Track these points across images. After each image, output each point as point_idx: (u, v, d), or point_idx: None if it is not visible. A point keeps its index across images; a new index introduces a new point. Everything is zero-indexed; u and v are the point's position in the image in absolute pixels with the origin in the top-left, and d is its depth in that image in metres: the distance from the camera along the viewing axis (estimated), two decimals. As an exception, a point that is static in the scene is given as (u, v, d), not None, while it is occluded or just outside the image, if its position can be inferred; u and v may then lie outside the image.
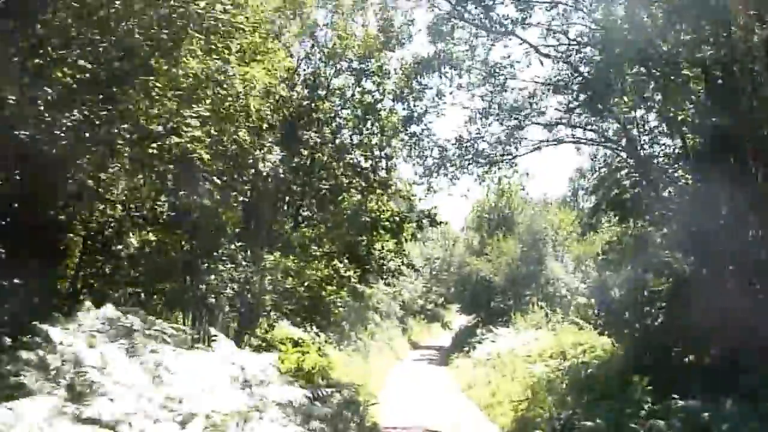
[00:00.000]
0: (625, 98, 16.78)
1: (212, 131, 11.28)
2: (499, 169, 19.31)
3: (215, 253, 14.93)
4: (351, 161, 20.43)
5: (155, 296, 13.22)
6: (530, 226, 41.99)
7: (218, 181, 12.21)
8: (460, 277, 45.70)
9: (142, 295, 12.70)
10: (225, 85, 10.89)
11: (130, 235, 12.69)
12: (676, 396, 11.87)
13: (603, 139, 18.77)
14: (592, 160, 21.65)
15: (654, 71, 15.25)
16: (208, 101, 10.69)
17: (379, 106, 20.96)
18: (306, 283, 17.97)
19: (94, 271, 12.35)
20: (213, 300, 14.71)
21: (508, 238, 42.90)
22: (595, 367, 16.34)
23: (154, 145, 10.80)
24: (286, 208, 19.99)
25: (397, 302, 50.94)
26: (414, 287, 55.25)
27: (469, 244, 46.29)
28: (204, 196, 11.89)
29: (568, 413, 13.69)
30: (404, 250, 21.96)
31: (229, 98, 11.41)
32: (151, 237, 13.46)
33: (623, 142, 17.75)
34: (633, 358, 15.45)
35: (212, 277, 14.57)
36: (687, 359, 14.40)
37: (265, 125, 15.07)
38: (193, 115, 10.35)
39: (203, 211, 12.96)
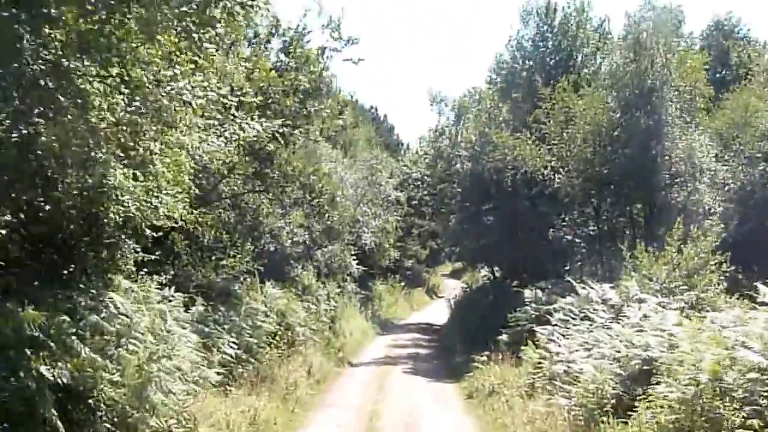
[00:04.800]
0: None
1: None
2: None
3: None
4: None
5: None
6: (631, 57, 18.14)
7: None
8: (469, 180, 21.73)
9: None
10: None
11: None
12: None
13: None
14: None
15: None
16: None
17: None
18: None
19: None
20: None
21: (585, 91, 18.94)
22: None
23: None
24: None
25: (345, 251, 27.32)
26: (380, 224, 31.38)
27: (489, 115, 22.21)
28: None
29: None
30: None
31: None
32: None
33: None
34: None
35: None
36: None
37: None
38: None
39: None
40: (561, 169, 18.70)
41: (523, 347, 14.77)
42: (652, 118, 17.79)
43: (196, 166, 9.32)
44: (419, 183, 32.42)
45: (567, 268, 18.78)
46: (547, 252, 19.43)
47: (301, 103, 12.94)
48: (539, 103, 18.88)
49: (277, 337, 16.25)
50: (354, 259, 28.92)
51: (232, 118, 9.09)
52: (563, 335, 13.39)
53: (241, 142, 10.21)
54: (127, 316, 8.66)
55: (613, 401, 9.03)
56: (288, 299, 18.08)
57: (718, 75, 28.24)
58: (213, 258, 16.06)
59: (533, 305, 16.79)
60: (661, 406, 7.98)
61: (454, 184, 24.05)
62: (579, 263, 18.42)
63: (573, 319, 13.89)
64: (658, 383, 8.41)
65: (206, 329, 11.84)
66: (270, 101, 12.90)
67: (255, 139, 10.53)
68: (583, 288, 14.58)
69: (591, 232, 18.56)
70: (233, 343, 12.79)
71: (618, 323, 12.04)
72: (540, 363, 13.01)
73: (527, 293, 17.42)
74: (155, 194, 7.64)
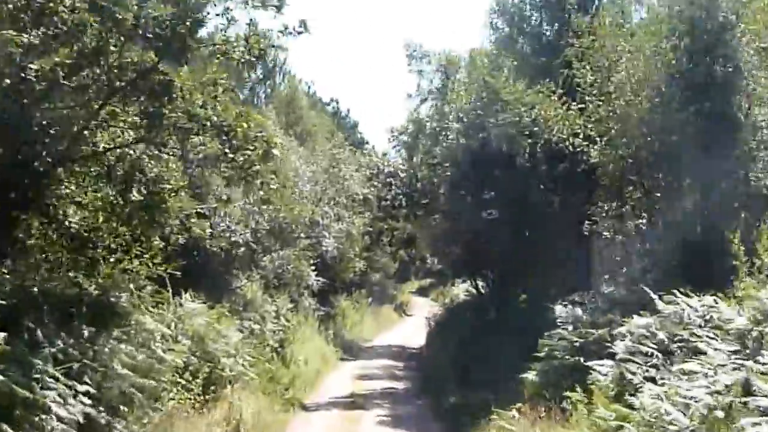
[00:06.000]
0: None
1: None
2: None
3: None
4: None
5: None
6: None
7: None
8: (464, 159, 15.77)
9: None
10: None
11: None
12: None
13: None
14: None
15: None
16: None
17: None
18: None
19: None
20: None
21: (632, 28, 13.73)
22: None
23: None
24: None
25: (301, 258, 21.94)
26: (344, 228, 25.88)
27: (493, 68, 16.34)
28: None
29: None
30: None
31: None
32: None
33: None
34: None
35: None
36: None
37: None
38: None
39: None
40: (599, 139, 13.39)
41: (569, 393, 9.49)
42: (733, 65, 12.63)
43: None
44: (391, 179, 26.82)
45: (606, 276, 13.46)
46: (578, 254, 14.05)
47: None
48: (570, 40, 13.53)
49: (188, 375, 10.68)
50: (313, 270, 23.47)
51: None
52: (648, 378, 8.12)
53: None
54: None
55: None
56: (210, 317, 12.44)
57: None
58: (87, 255, 10.40)
59: (571, 328, 11.48)
60: None
61: (440, 169, 18.34)
62: (624, 268, 13.10)
63: (664, 352, 8.57)
64: None
65: (11, 373, 6.16)
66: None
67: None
68: (670, 303, 9.24)
69: (641, 226, 13.25)
70: (83, 394, 7.14)
71: (757, 360, 6.81)
72: (620, 428, 7.61)
73: (559, 310, 12.01)
74: None
